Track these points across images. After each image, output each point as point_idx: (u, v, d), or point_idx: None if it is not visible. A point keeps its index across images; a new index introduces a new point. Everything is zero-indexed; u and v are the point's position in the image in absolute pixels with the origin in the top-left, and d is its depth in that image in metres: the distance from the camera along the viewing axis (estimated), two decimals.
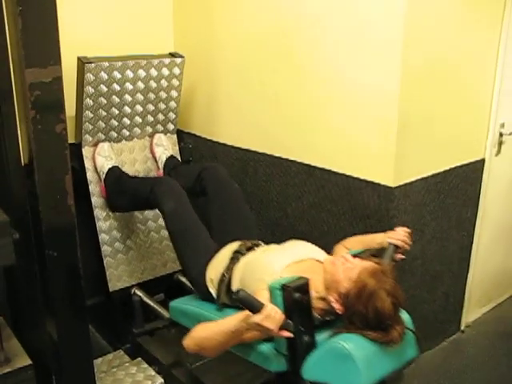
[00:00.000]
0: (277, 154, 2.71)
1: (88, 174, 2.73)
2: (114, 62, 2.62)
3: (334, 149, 2.45)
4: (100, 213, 2.76)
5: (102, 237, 2.76)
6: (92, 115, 2.67)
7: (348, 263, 1.82)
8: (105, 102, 2.68)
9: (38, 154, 1.66)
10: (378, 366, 1.74)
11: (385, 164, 2.27)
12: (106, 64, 2.59)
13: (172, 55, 2.84)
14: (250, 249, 2.21)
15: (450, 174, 2.57)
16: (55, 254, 1.76)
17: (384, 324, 1.70)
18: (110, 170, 2.73)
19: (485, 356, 2.84)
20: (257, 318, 1.64)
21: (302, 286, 1.76)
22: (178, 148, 3.09)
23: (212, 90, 3.02)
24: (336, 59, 2.34)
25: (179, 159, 3.02)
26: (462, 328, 3.04)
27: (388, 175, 2.28)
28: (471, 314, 3.09)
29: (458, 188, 2.65)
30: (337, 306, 1.80)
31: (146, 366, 2.54)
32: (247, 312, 1.68)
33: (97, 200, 2.76)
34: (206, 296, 2.22)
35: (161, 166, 2.90)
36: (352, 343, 1.70)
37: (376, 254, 1.98)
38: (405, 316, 1.83)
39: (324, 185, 2.52)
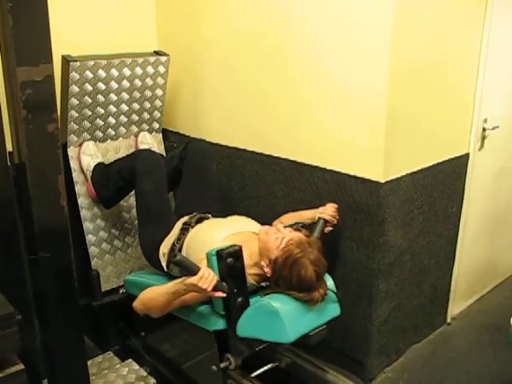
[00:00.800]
0: (265, 152, 2.70)
1: (74, 175, 2.69)
2: (99, 60, 2.59)
3: (322, 146, 2.45)
4: (86, 214, 2.73)
5: (89, 238, 2.73)
6: (77, 115, 2.63)
7: (279, 233, 2.07)
8: (90, 101, 2.64)
9: (30, 154, 1.62)
10: (301, 321, 1.98)
11: (374, 160, 2.28)
12: (91, 62, 2.55)
13: (157, 53, 2.81)
14: (198, 221, 2.38)
15: (436, 168, 2.59)
16: (48, 255, 1.72)
17: (306, 287, 1.95)
18: (95, 166, 2.70)
19: (471, 348, 2.88)
20: (192, 279, 1.86)
21: (235, 252, 1.99)
22: (163, 147, 3.06)
23: (197, 88, 3.00)
24: (324, 56, 2.34)
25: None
26: (448, 320, 3.07)
27: (377, 171, 2.29)
28: (457, 306, 3.12)
29: (444, 182, 2.68)
30: (266, 270, 2.05)
31: (137, 367, 2.52)
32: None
33: (83, 201, 2.72)
34: (158, 269, 2.40)
35: None
36: (278, 301, 1.94)
37: (307, 226, 2.25)
38: (329, 281, 2.11)
39: (313, 181, 2.52)
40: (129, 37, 3.00)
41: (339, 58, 2.29)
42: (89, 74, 2.57)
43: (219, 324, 2.06)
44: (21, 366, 1.86)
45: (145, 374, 2.47)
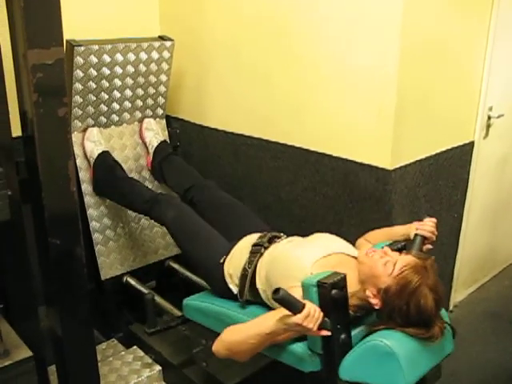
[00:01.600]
0: (270, 138, 2.67)
1: (78, 161, 2.66)
2: (104, 45, 2.54)
3: (329, 132, 2.42)
4: (90, 200, 2.70)
5: (93, 224, 2.70)
6: (81, 100, 2.59)
7: (387, 256, 1.74)
8: (94, 86, 2.60)
9: (41, 139, 1.59)
10: (419, 362, 1.69)
11: (382, 147, 2.26)
12: (96, 47, 2.51)
13: (162, 38, 2.77)
14: (271, 241, 2.09)
15: (441, 156, 2.58)
16: (58, 241, 1.69)
17: (425, 321, 1.66)
18: (100, 154, 2.66)
19: (473, 335, 2.88)
20: (297, 319, 1.57)
21: (339, 282, 1.69)
22: (167, 133, 3.02)
23: (201, 74, 2.96)
24: (331, 39, 2.31)
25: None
26: (451, 308, 3.08)
27: (385, 158, 2.27)
28: (459, 294, 3.13)
29: (450, 170, 2.66)
30: (375, 302, 1.73)
31: (142, 354, 2.50)
32: (283, 311, 1.61)
33: (87, 187, 2.68)
34: (223, 293, 2.11)
35: (151, 151, 2.84)
36: (393, 340, 1.64)
37: (404, 246, 1.94)
38: (442, 311, 1.79)
39: (319, 168, 2.50)
40: (130, 21, 2.95)
41: (347, 41, 2.26)
42: (93, 59, 2.52)
43: (316, 365, 1.76)
44: (29, 353, 1.85)
45: (150, 361, 2.45)
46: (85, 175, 2.68)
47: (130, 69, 2.69)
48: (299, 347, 1.77)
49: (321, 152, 2.47)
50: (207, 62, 2.91)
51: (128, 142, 2.85)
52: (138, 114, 2.87)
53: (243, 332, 1.74)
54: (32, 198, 1.74)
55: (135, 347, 2.55)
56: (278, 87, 2.58)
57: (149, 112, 2.90)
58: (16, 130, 1.73)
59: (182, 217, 2.31)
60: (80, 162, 2.67)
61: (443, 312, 1.80)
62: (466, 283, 3.19)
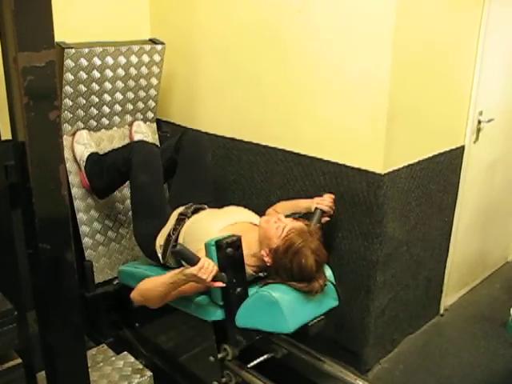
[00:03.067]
0: (261, 142, 2.67)
1: (67, 165, 2.63)
2: (94, 47, 2.53)
3: (321, 136, 2.42)
4: (80, 204, 2.67)
5: (83, 229, 2.68)
6: (71, 103, 2.57)
7: (280, 222, 2.04)
8: (84, 89, 2.58)
9: (32, 143, 1.56)
10: (301, 312, 1.97)
11: (374, 151, 2.26)
12: (86, 50, 2.49)
13: (152, 41, 2.76)
14: (194, 212, 2.36)
15: (433, 160, 2.58)
16: (49, 247, 1.67)
17: (307, 277, 1.95)
18: (89, 156, 2.65)
19: (464, 338, 2.89)
20: (192, 269, 1.84)
21: (234, 242, 1.97)
22: (157, 137, 3.00)
23: (192, 77, 2.95)
24: (324, 44, 2.31)
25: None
26: (442, 312, 3.08)
27: (377, 162, 2.27)
28: (449, 297, 3.14)
29: (440, 174, 2.67)
30: (267, 259, 2.03)
31: (132, 359, 2.46)
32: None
33: (77, 191, 2.66)
34: (153, 260, 2.38)
35: None
36: (278, 291, 1.93)
37: (304, 217, 2.23)
38: (328, 271, 2.09)
39: (311, 172, 2.49)
40: (121, 24, 2.94)
41: (340, 47, 2.26)
42: (83, 62, 2.51)
43: (217, 314, 2.04)
44: (18, 360, 1.83)
45: (141, 366, 2.42)
46: (74, 179, 2.65)
47: (121, 72, 2.68)
48: (203, 299, 2.07)
49: (312, 156, 2.47)
50: (198, 66, 2.90)
51: (118, 145, 2.81)
52: (129, 118, 2.85)
53: (153, 281, 2.03)
54: (22, 202, 1.71)
55: (126, 352, 2.51)
56: (269, 91, 2.58)
57: (139, 115, 2.89)
58: (5, 133, 1.71)
59: (149, 184, 2.43)
60: (70, 165, 2.65)
61: (330, 274, 2.10)
62: (456, 286, 3.20)
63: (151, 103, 2.90)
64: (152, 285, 2.03)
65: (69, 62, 2.45)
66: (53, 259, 1.70)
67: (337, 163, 2.39)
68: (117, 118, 2.80)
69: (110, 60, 2.60)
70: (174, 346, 2.65)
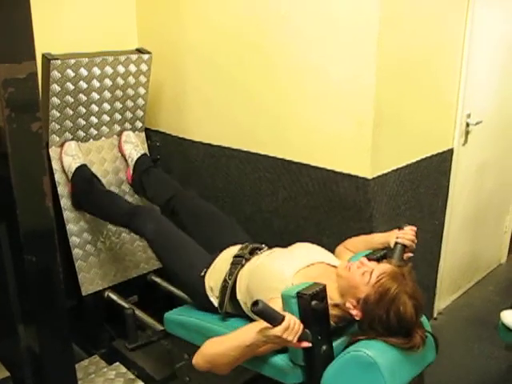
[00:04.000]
0: (250, 150, 2.67)
1: (56, 176, 2.63)
2: (81, 58, 2.53)
3: (309, 142, 2.42)
4: (70, 215, 2.67)
5: (73, 240, 2.67)
6: (59, 114, 2.57)
7: (364, 267, 1.74)
8: (71, 100, 2.59)
9: (14, 155, 1.57)
10: (401, 372, 1.67)
11: (361, 156, 2.26)
12: (73, 61, 2.50)
13: (139, 51, 2.77)
14: (252, 252, 2.08)
15: (421, 164, 2.59)
16: (34, 258, 1.66)
17: (406, 329, 1.65)
18: (77, 168, 2.64)
19: (457, 342, 2.89)
20: (276, 330, 1.55)
21: (319, 293, 1.68)
22: (146, 146, 3.01)
23: (179, 86, 2.95)
24: (309, 51, 2.31)
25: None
26: (435, 315, 3.08)
27: (365, 167, 2.27)
28: (442, 301, 3.14)
29: (430, 178, 2.68)
30: (355, 312, 1.72)
31: (124, 370, 2.47)
32: (263, 324, 1.59)
33: (66, 202, 2.66)
34: (205, 306, 2.10)
35: (131, 164, 2.82)
36: (375, 350, 1.62)
37: (384, 255, 1.94)
38: (423, 319, 1.78)
39: (299, 179, 2.50)
40: (108, 34, 2.93)
41: (325, 53, 2.26)
42: (70, 73, 2.51)
43: (298, 376, 1.74)
44: (6, 374, 1.82)
45: (133, 377, 2.42)
46: (63, 190, 2.65)
47: (108, 82, 2.68)
48: (281, 359, 1.75)
49: (300, 162, 2.47)
50: (186, 75, 2.90)
51: (107, 155, 2.83)
52: (117, 128, 2.85)
53: (223, 344, 1.71)
54: (6, 214, 1.71)
55: (118, 363, 2.52)
56: (257, 99, 2.59)
57: (127, 125, 2.89)
58: None
59: (162, 229, 2.29)
60: (58, 176, 2.64)
61: (424, 321, 1.79)
62: (449, 290, 3.20)
63: (139, 113, 2.90)
64: (222, 349, 1.70)
65: (55, 73, 2.46)
66: (39, 270, 1.70)
67: (324, 169, 2.39)
68: (105, 129, 2.80)
69: (96, 70, 2.60)
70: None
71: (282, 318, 1.56)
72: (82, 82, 2.58)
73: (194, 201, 2.55)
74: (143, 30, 3.06)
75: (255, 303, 1.54)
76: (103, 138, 2.83)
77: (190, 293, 2.20)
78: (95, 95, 2.67)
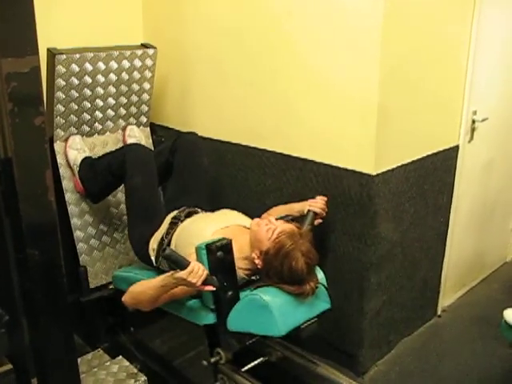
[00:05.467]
0: (255, 145, 2.68)
1: (61, 170, 2.65)
2: (86, 53, 2.54)
3: (313, 139, 2.43)
4: (74, 209, 2.68)
5: (77, 234, 2.69)
6: (63, 109, 2.58)
7: (271, 224, 2.05)
8: (76, 95, 2.60)
9: (17, 149, 1.57)
10: (292, 315, 1.97)
11: (365, 152, 2.26)
12: (77, 56, 2.50)
13: (144, 46, 2.77)
14: (187, 215, 2.37)
15: (426, 161, 2.58)
16: (37, 252, 1.67)
17: (297, 280, 1.95)
18: (82, 160, 2.66)
19: (461, 340, 2.88)
20: (182, 273, 1.85)
21: (225, 246, 1.97)
22: (151, 141, 3.01)
23: (185, 81, 2.96)
24: (315, 47, 2.31)
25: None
26: (439, 313, 3.07)
27: (369, 163, 2.27)
28: (447, 298, 3.12)
29: (435, 175, 2.67)
30: (257, 262, 2.04)
31: (127, 364, 2.47)
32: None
33: (70, 196, 2.67)
34: (147, 264, 2.39)
35: None
36: (269, 295, 1.94)
37: (297, 219, 2.24)
38: (320, 274, 2.09)
39: (304, 175, 2.50)
40: (114, 29, 2.95)
41: (330, 49, 2.26)
42: (75, 68, 2.52)
43: (209, 318, 2.05)
44: (9, 366, 1.83)
45: (135, 370, 2.43)
46: (68, 184, 2.66)
47: (113, 77, 2.69)
48: (195, 303, 2.08)
49: (305, 158, 2.47)
50: (191, 70, 2.91)
51: (112, 149, 2.82)
52: (122, 123, 2.86)
53: (144, 285, 2.05)
54: (10, 208, 1.72)
55: (121, 357, 2.52)
56: (262, 94, 2.59)
57: (132, 120, 2.90)
58: None
59: (143, 186, 2.45)
60: (63, 171, 2.66)
61: (322, 277, 2.11)
62: (454, 288, 3.19)
63: (144, 108, 2.91)
64: (143, 288, 2.05)
65: (60, 68, 2.46)
66: (41, 265, 1.70)
67: (329, 165, 2.39)
68: (110, 123, 2.81)
69: (101, 65, 2.61)
70: (168, 350, 2.65)
71: (188, 263, 1.85)
72: (86, 77, 2.59)
73: (190, 147, 2.62)
74: (149, 25, 3.06)
75: (164, 249, 1.89)
76: (108, 133, 2.84)
77: (137, 253, 2.45)
78: (100, 90, 2.68)
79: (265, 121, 2.60)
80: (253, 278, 2.12)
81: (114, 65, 2.65)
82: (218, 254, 1.95)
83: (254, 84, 2.61)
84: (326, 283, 2.10)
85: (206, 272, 1.89)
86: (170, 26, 2.94)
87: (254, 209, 2.73)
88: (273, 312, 1.90)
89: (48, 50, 2.46)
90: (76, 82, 2.56)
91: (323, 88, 2.32)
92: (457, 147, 2.78)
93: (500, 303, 3.14)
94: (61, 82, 2.50)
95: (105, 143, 2.83)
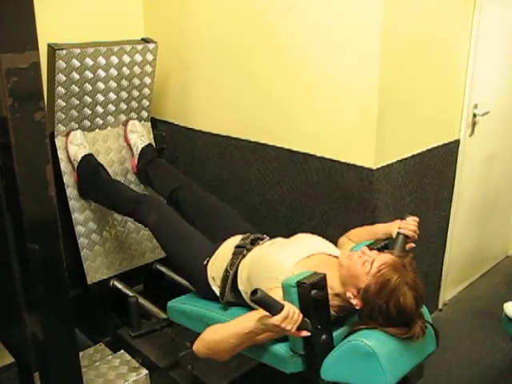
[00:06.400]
0: (255, 140, 2.68)
1: (62, 165, 2.65)
2: (86, 48, 2.53)
3: (314, 132, 2.43)
4: (75, 204, 2.69)
5: (78, 229, 2.69)
6: (64, 104, 2.59)
7: (365, 256, 1.74)
8: (77, 90, 2.60)
9: (18, 144, 1.58)
10: (400, 362, 1.68)
11: (365, 146, 2.26)
12: (78, 50, 2.50)
13: (144, 41, 2.76)
14: (253, 242, 2.10)
15: (427, 155, 2.58)
16: (37, 247, 1.68)
17: (406, 319, 1.66)
18: (83, 157, 2.66)
19: (463, 333, 2.89)
20: (275, 320, 1.57)
21: (319, 282, 1.69)
22: (152, 136, 3.02)
23: (186, 75, 2.96)
24: (316, 39, 2.31)
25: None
26: (440, 307, 3.08)
27: (369, 157, 2.27)
28: (448, 292, 3.14)
29: (435, 169, 2.67)
30: (355, 302, 1.73)
31: (129, 358, 2.48)
32: (263, 312, 1.60)
33: (72, 191, 2.68)
34: (207, 295, 2.12)
35: (136, 153, 2.83)
36: (374, 340, 1.63)
37: (386, 245, 1.95)
38: (424, 309, 1.79)
39: (304, 169, 2.50)
40: (115, 24, 2.94)
41: (330, 41, 2.26)
42: (75, 63, 2.52)
43: (298, 365, 1.76)
44: (11, 360, 1.85)
45: (137, 365, 2.44)
46: (69, 179, 2.67)
47: (113, 72, 2.69)
48: (281, 348, 1.76)
49: (305, 152, 2.47)
50: (193, 64, 2.91)
51: (113, 145, 2.85)
52: (123, 117, 2.86)
53: (223, 331, 1.73)
54: (11, 203, 1.73)
55: (122, 351, 2.53)
56: (263, 88, 2.59)
57: (133, 115, 2.90)
58: None
59: (165, 218, 2.30)
60: (64, 166, 2.66)
61: (425, 311, 1.80)
62: (455, 281, 3.20)
63: (145, 102, 2.91)
64: (222, 336, 1.73)
65: (60, 63, 2.47)
66: (42, 259, 1.72)
67: (329, 159, 2.39)
68: (111, 118, 2.81)
69: (102, 60, 2.61)
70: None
71: (281, 307, 1.57)
72: (87, 72, 2.59)
73: (198, 192, 2.56)
74: (150, 20, 3.06)
75: (254, 292, 1.55)
76: (109, 128, 2.84)
77: (192, 282, 2.22)
78: (101, 85, 2.68)
79: (266, 115, 2.60)
80: (340, 315, 1.83)
81: (114, 59, 2.65)
82: (313, 292, 1.66)
83: (255, 78, 2.61)
84: (430, 319, 1.82)
85: (301, 316, 1.62)
86: (170, 21, 2.94)
87: (255, 204, 2.76)
88: (380, 360, 1.60)
89: (48, 45, 2.46)
90: (77, 76, 2.56)
91: (324, 81, 2.32)
92: (457, 141, 2.78)
93: (501, 297, 3.15)
94: (61, 76, 2.50)
95: (106, 138, 2.83)
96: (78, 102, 2.64)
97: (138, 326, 2.62)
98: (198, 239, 2.23)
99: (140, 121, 2.94)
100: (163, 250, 2.36)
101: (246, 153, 2.75)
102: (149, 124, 3.01)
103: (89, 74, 2.60)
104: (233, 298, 2.03)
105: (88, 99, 2.67)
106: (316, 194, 2.49)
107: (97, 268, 2.75)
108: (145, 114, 2.95)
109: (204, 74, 2.86)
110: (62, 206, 2.64)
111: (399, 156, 2.41)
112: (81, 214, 2.70)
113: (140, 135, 2.88)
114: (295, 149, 2.51)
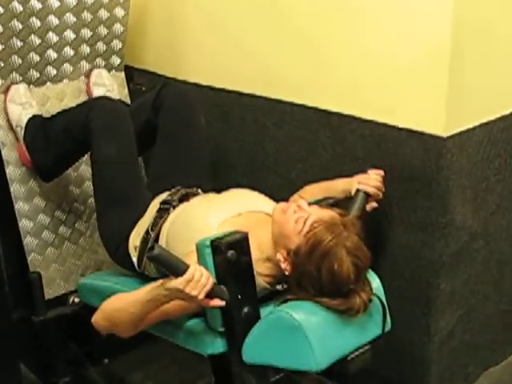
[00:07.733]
0: (273, 96, 2.68)
1: None
2: None
3: (358, 85, 2.42)
4: (19, 189, 2.71)
5: (24, 223, 2.71)
6: (1, 47, 2.60)
7: (301, 211, 1.95)
8: (20, 26, 2.63)
9: None
10: (336, 340, 1.87)
11: (433, 105, 2.25)
12: None
13: None
14: (183, 199, 2.34)
15: None
16: None
17: (342, 290, 1.86)
18: (29, 120, 2.68)
19: None
20: (177, 282, 1.74)
21: (239, 242, 1.86)
22: (126, 91, 3.03)
23: (176, 5, 2.96)
24: None
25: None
26: None
27: (438, 121, 2.25)
28: None
29: None
30: (284, 266, 1.95)
31: None
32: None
33: (14, 170, 2.71)
34: (128, 269, 2.36)
35: None
36: (302, 312, 1.83)
37: (341, 203, 2.20)
38: (375, 281, 2.01)
39: (344, 137, 2.51)
40: None
41: None
42: None
43: (217, 346, 1.97)
44: None
45: None
46: (9, 154, 2.70)
47: (71, 1, 2.69)
48: (196, 324, 1.98)
49: (346, 114, 2.47)
50: None
51: (71, 104, 2.83)
52: (85, 65, 2.90)
53: (123, 299, 1.96)
54: None
55: None
56: (285, 19, 2.59)
57: (100, 61, 2.94)
58: None
59: (118, 157, 2.45)
60: (3, 135, 2.69)
61: (376, 283, 2.02)
62: None
63: (117, 44, 2.94)
64: (122, 304, 1.96)
65: None
66: None
67: (381, 124, 2.38)
68: (68, 67, 2.84)
69: None
70: None
71: (186, 268, 1.75)
72: (34, 2, 2.61)
73: (180, 101, 2.63)
74: None
75: (151, 248, 1.74)
76: (65, 81, 2.87)
77: (111, 251, 2.44)
78: (53, 19, 2.70)
79: (289, 61, 2.61)
80: (278, 287, 2.04)
81: None
82: (229, 253, 1.84)
83: (274, 6, 2.61)
84: (383, 294, 2.02)
85: (212, 280, 1.81)
86: None
87: (274, 187, 2.75)
88: (308, 336, 1.79)
89: None
90: (19, 7, 2.58)
91: (376, 10, 2.31)
92: None
93: None
94: None
95: (61, 95, 2.86)
96: (21, 44, 2.66)
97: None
98: (137, 196, 2.45)
99: (110, 70, 2.98)
100: (94, 193, 2.54)
101: (260, 114, 2.76)
102: (122, 74, 3.05)
103: (37, 4, 2.62)
104: (154, 270, 2.21)
105: (36, 40, 2.70)
106: (361, 171, 2.47)
107: (50, 279, 2.76)
108: (116, 60, 2.99)
109: (200, 1, 2.85)
110: (1, 193, 2.66)
111: (482, 119, 2.39)
112: (27, 203, 2.72)
113: (107, 90, 2.91)
114: (332, 109, 2.51)
